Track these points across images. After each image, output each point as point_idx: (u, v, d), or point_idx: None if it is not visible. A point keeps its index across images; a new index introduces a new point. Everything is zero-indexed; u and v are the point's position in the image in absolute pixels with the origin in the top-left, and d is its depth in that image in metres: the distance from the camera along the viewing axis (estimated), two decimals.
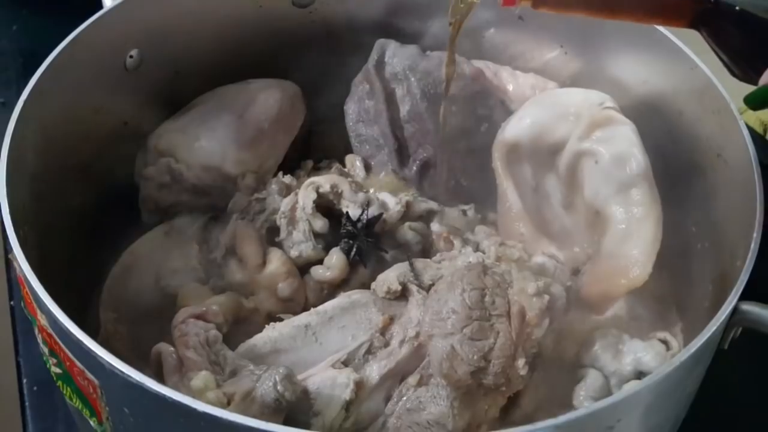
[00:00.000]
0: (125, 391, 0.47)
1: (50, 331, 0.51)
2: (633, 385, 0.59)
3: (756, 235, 0.55)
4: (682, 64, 0.68)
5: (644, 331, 0.68)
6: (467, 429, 0.61)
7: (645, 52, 0.71)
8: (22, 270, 0.51)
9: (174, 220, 0.74)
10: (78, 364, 0.50)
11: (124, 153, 0.75)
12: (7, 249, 0.78)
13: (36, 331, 0.55)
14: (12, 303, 0.84)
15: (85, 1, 1.13)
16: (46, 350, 0.54)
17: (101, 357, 0.47)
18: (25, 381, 0.77)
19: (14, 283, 0.84)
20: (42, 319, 0.52)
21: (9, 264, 0.89)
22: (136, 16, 0.71)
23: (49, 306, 0.49)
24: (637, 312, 0.71)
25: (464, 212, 0.76)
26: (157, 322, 0.68)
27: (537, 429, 0.45)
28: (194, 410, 0.44)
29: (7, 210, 0.54)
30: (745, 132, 0.61)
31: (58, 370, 0.54)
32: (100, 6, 0.95)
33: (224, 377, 0.58)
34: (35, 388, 0.76)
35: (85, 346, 0.47)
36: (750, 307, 0.54)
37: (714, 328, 0.50)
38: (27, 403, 0.75)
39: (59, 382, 0.55)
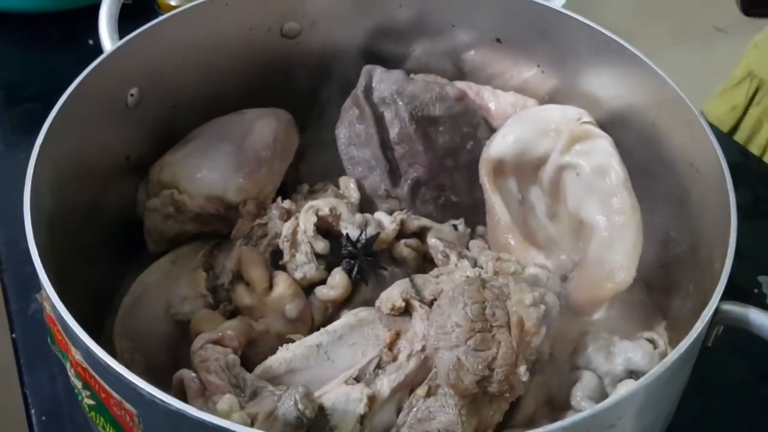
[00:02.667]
0: (165, 418, 0.50)
1: (85, 365, 0.55)
2: (630, 385, 0.64)
3: (732, 240, 0.60)
4: (652, 80, 0.73)
5: (631, 331, 0.73)
6: None
7: (617, 69, 0.76)
8: (56, 310, 0.54)
9: (180, 248, 0.77)
10: (115, 395, 0.53)
11: (127, 186, 0.78)
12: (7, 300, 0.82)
13: (68, 367, 0.58)
14: (14, 336, 0.85)
15: (63, 33, 1.17)
16: (79, 384, 0.58)
17: (141, 387, 0.50)
18: (33, 411, 0.79)
19: (14, 317, 0.87)
20: (76, 355, 0.55)
21: (6, 298, 0.92)
22: (134, 57, 0.74)
23: (85, 342, 0.52)
24: (623, 313, 0.76)
25: (455, 227, 0.81)
26: (170, 348, 0.72)
27: (546, 431, 0.50)
28: None
29: (36, 252, 0.57)
30: (715, 143, 0.66)
31: (91, 402, 0.57)
32: (80, 41, 0.99)
33: (246, 399, 0.62)
34: (43, 417, 0.78)
35: (125, 378, 0.50)
36: (730, 307, 0.59)
37: (699, 329, 0.55)
38: None
39: (92, 413, 0.58)
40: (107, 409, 0.55)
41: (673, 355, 0.53)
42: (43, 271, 0.56)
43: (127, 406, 0.53)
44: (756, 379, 0.80)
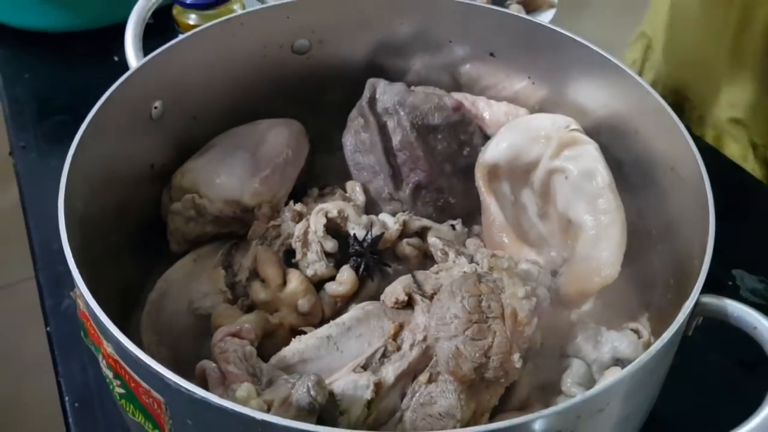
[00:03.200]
0: (189, 405, 0.51)
1: (116, 357, 0.55)
2: (617, 372, 0.64)
3: (710, 239, 0.60)
4: (635, 90, 0.73)
5: (616, 322, 0.74)
6: (472, 417, 0.66)
7: (602, 80, 0.77)
8: (89, 306, 0.55)
9: (201, 248, 0.78)
10: (143, 384, 0.54)
11: (151, 192, 0.79)
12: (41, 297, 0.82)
13: (100, 358, 0.59)
14: (48, 329, 0.86)
15: (89, 51, 1.18)
16: (110, 374, 0.58)
17: (167, 377, 0.51)
18: (66, 399, 0.79)
19: (49, 312, 0.87)
20: (108, 348, 0.56)
21: (42, 294, 0.92)
22: (158, 73, 0.74)
23: (116, 336, 0.53)
24: (609, 305, 0.77)
25: (453, 227, 0.81)
26: (193, 340, 0.72)
27: (542, 415, 0.50)
28: (252, 419, 0.49)
29: (70, 254, 0.58)
30: (694, 148, 0.67)
31: (122, 391, 0.58)
32: (106, 57, 1.00)
33: (262, 387, 0.62)
34: (76, 404, 0.79)
35: (153, 369, 0.51)
36: (709, 300, 0.59)
37: (681, 320, 0.56)
38: (70, 419, 0.78)
39: (122, 401, 0.59)
40: (136, 397, 0.56)
41: (657, 344, 0.54)
42: (77, 270, 0.57)
43: (155, 394, 0.54)
44: (731, 364, 0.81)
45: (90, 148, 0.66)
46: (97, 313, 0.54)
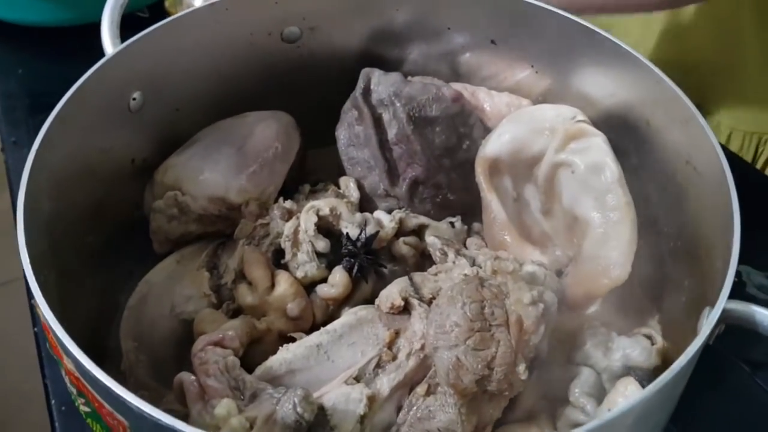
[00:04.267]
0: (155, 430, 0.43)
1: (77, 374, 0.47)
2: (630, 383, 0.56)
3: (735, 238, 0.51)
4: (647, 78, 0.64)
5: (624, 325, 0.65)
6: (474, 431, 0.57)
7: (611, 67, 0.68)
8: (46, 318, 0.46)
9: (185, 248, 0.69)
10: (106, 405, 0.45)
11: (132, 189, 0.70)
12: (29, 296, 0.73)
13: (63, 372, 0.50)
14: (36, 329, 0.78)
15: (83, 45, 1.09)
16: (74, 390, 0.50)
17: (130, 402, 0.42)
18: (53, 402, 0.71)
19: (35, 312, 0.79)
20: (69, 364, 0.47)
21: (30, 292, 0.84)
22: (136, 60, 0.65)
23: (75, 354, 0.44)
24: (616, 307, 0.68)
25: (452, 224, 0.72)
26: (175, 348, 0.64)
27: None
28: None
29: (28, 261, 0.49)
30: (714, 140, 0.58)
31: (86, 409, 0.49)
32: (100, 52, 0.90)
33: (245, 402, 0.54)
34: (63, 408, 0.70)
35: (113, 392, 0.42)
36: (734, 306, 0.50)
37: (707, 332, 0.47)
38: (56, 423, 0.70)
39: (89, 420, 0.50)
40: (101, 417, 0.47)
41: (683, 359, 0.45)
42: (33, 278, 0.48)
43: (119, 417, 0.45)
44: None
45: (58, 142, 0.58)
46: (54, 328, 0.45)
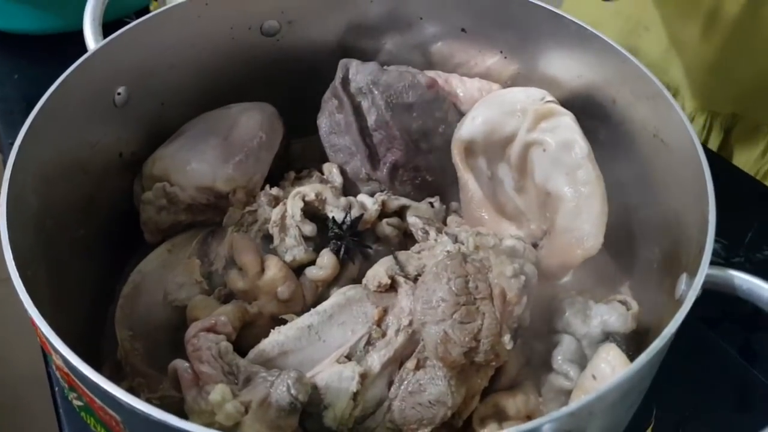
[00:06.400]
0: (147, 426, 0.36)
1: (66, 370, 0.40)
2: (611, 349, 0.51)
3: (711, 206, 0.46)
4: (612, 58, 0.59)
5: (597, 292, 0.60)
6: (463, 401, 0.52)
7: (577, 50, 0.62)
8: (31, 316, 0.39)
9: (175, 237, 0.62)
10: (98, 401, 0.39)
11: (122, 182, 0.63)
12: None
13: (54, 369, 0.44)
14: None
15: (76, 51, 1.01)
16: (66, 386, 0.43)
17: (119, 398, 0.36)
18: (56, 389, 0.64)
19: None
20: (57, 360, 0.40)
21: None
22: (119, 56, 0.58)
23: (62, 351, 0.38)
24: (589, 275, 0.63)
25: (432, 204, 0.66)
26: (170, 335, 0.57)
27: (552, 419, 0.36)
28: None
29: (11, 256, 0.42)
30: (681, 113, 0.53)
31: (79, 403, 0.43)
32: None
33: (239, 386, 0.48)
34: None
35: (103, 388, 0.36)
36: (714, 272, 0.45)
37: (693, 297, 0.42)
38: (60, 410, 0.62)
39: (82, 413, 0.44)
40: (94, 411, 0.41)
41: (672, 326, 0.40)
42: (17, 274, 0.41)
43: (111, 412, 0.39)
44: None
45: (43, 137, 0.51)
46: (40, 325, 0.39)
